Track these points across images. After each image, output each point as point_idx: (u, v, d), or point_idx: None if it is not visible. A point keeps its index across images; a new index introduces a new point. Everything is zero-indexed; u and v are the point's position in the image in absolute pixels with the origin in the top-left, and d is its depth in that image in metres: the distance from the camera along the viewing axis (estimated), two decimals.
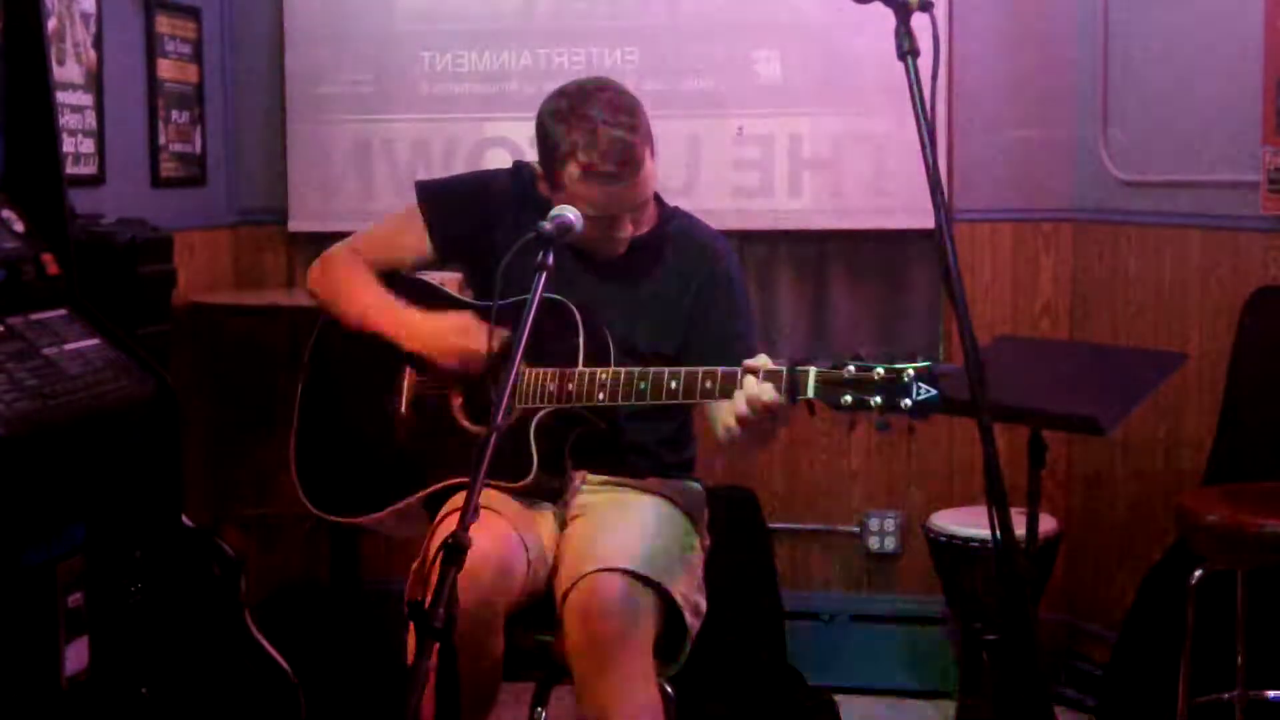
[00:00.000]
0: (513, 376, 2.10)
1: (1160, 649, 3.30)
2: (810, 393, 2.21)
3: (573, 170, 2.54)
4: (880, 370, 2.16)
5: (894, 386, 2.16)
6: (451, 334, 2.63)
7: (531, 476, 2.54)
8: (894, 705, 4.04)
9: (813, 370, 2.22)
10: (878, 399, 2.16)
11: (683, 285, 2.66)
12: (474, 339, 2.59)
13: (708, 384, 2.35)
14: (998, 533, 1.97)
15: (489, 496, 2.46)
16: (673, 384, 2.38)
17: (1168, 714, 3.17)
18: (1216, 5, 3.61)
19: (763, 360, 2.28)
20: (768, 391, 2.23)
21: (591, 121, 2.52)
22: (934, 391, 2.15)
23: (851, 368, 2.18)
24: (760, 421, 2.27)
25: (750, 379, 2.26)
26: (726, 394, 2.31)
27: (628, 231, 2.62)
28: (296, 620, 3.96)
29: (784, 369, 2.24)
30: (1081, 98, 4.00)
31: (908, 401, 2.15)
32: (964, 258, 3.89)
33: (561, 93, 2.61)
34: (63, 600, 2.46)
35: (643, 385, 2.41)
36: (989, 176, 4.07)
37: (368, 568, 4.10)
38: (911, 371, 2.15)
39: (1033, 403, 3.11)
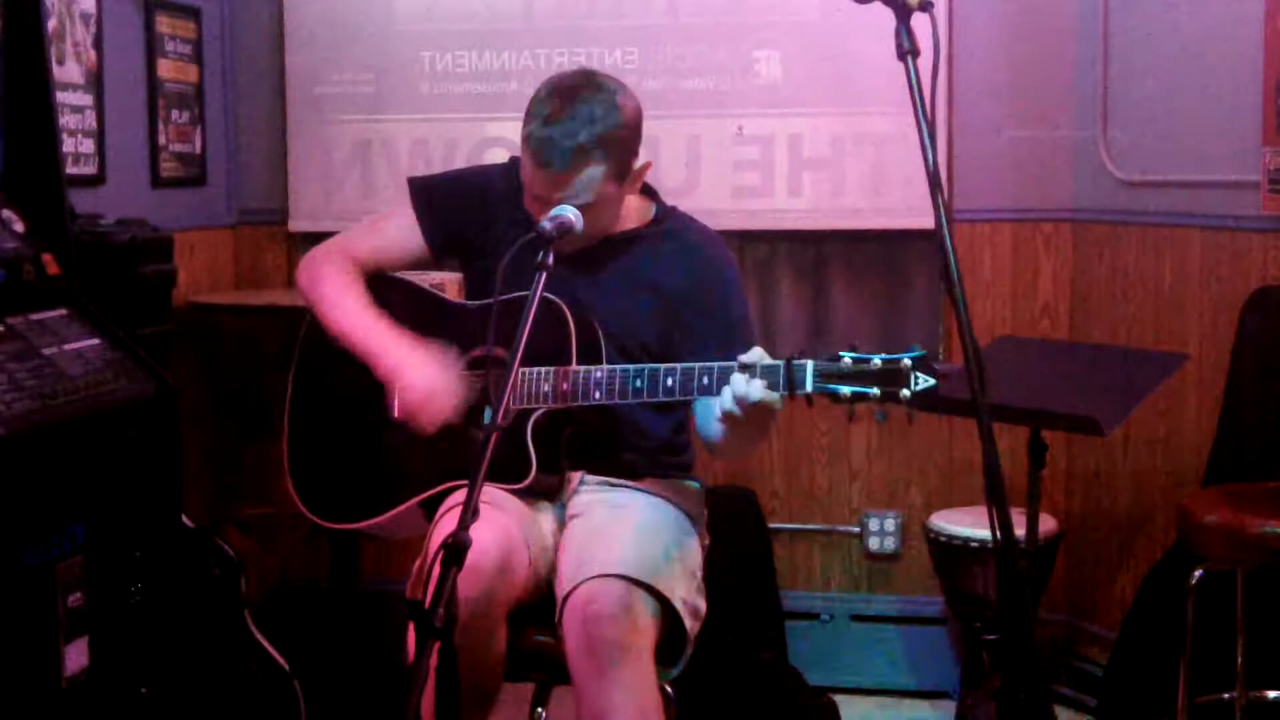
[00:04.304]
0: (512, 377, 2.10)
1: (1160, 649, 3.30)
2: (809, 386, 2.21)
3: (523, 148, 2.54)
4: (878, 361, 2.17)
5: (892, 376, 2.16)
6: (423, 390, 2.59)
7: (531, 478, 2.54)
8: (894, 705, 4.05)
9: (810, 364, 2.22)
10: (876, 390, 2.17)
11: (676, 280, 2.65)
12: (439, 402, 2.57)
13: (704, 380, 2.35)
14: (998, 533, 1.97)
15: (489, 494, 2.46)
16: (669, 380, 2.38)
17: (1168, 714, 3.18)
18: (1217, 5, 3.61)
19: (758, 354, 2.28)
20: (756, 389, 2.23)
21: (549, 110, 2.51)
22: (932, 380, 2.15)
23: (848, 360, 2.18)
24: (748, 421, 2.27)
25: (738, 377, 2.26)
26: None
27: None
28: (296, 620, 3.96)
29: (781, 363, 2.23)
30: (1081, 98, 4.00)
31: (906, 392, 2.16)
32: (964, 258, 3.90)
33: (559, 76, 2.61)
34: (63, 600, 2.46)
35: (639, 383, 2.40)
36: (989, 176, 4.07)
37: (367, 568, 4.10)
38: (909, 361, 2.16)
39: (1033, 403, 3.11)
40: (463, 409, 2.59)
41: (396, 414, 2.61)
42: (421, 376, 2.60)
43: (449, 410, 2.58)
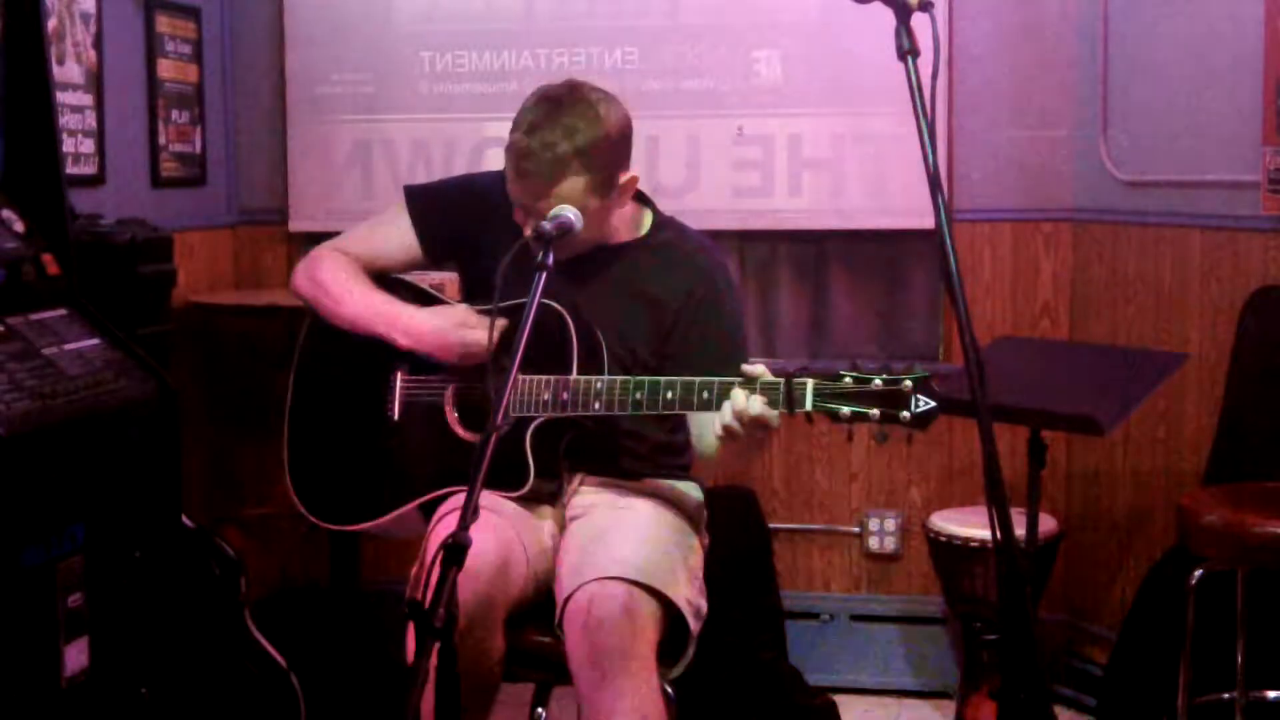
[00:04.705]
0: (512, 378, 2.10)
1: (1160, 649, 3.30)
2: (808, 405, 2.21)
3: (506, 157, 2.55)
4: (878, 381, 2.16)
5: (892, 398, 2.15)
6: (451, 328, 2.62)
7: (529, 485, 2.54)
8: (894, 705, 4.05)
9: (810, 382, 2.21)
10: (876, 411, 2.16)
11: (671, 293, 2.64)
12: (474, 331, 2.59)
13: (705, 394, 2.34)
14: (998, 533, 1.97)
15: (487, 497, 2.46)
16: (669, 394, 2.37)
17: (1168, 714, 3.17)
18: (1217, 6, 3.61)
19: (759, 370, 2.27)
20: (756, 405, 2.23)
21: (531, 119, 2.51)
22: (933, 403, 2.15)
23: (849, 379, 2.18)
24: (745, 436, 2.27)
25: (738, 392, 2.26)
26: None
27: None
28: (296, 620, 3.96)
29: (781, 381, 2.23)
30: (1081, 98, 4.00)
31: (906, 414, 2.15)
32: (964, 258, 3.90)
33: (546, 86, 2.60)
34: (63, 600, 2.46)
35: (638, 395, 2.40)
36: (989, 177, 4.07)
37: (367, 568, 4.09)
38: (910, 383, 2.15)
39: (1033, 403, 3.11)
40: (502, 335, 2.49)
41: (444, 361, 2.60)
42: (447, 317, 2.62)
43: (484, 339, 2.48)
